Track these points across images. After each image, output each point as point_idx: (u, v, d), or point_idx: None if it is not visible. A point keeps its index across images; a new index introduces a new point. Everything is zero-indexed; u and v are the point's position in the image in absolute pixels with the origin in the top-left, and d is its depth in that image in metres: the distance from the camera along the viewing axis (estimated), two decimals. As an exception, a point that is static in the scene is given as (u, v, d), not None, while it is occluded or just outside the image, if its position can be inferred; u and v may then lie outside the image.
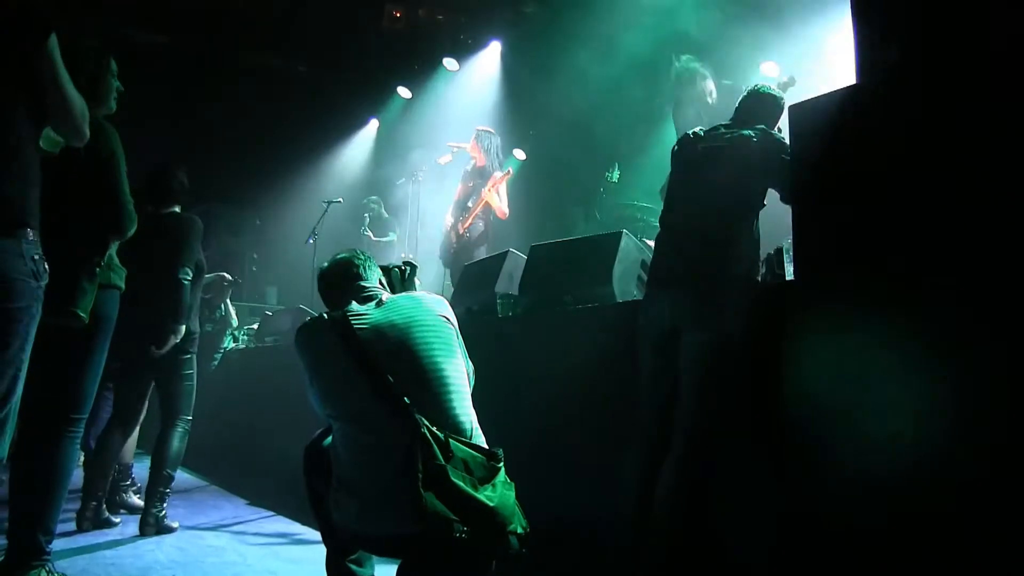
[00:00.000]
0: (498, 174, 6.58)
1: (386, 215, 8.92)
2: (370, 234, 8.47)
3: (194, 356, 4.47)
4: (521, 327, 4.13)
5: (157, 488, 4.22)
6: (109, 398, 4.59)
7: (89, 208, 2.99)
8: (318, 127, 10.53)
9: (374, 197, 9.02)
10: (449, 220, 6.80)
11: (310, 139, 10.58)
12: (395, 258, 7.97)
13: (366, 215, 8.66)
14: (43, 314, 2.48)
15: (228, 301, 7.44)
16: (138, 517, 4.23)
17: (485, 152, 6.69)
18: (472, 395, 2.57)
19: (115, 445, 4.31)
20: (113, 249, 3.20)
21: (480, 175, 6.69)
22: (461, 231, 6.61)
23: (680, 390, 2.83)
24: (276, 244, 10.52)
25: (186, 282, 4.21)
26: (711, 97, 5.22)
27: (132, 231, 3.18)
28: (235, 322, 7.61)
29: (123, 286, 3.26)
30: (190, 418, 4.43)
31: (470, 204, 6.61)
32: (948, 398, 2.26)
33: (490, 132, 6.88)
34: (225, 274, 7.09)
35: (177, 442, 4.34)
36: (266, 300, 9.54)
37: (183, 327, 4.21)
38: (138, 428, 4.51)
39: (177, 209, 4.43)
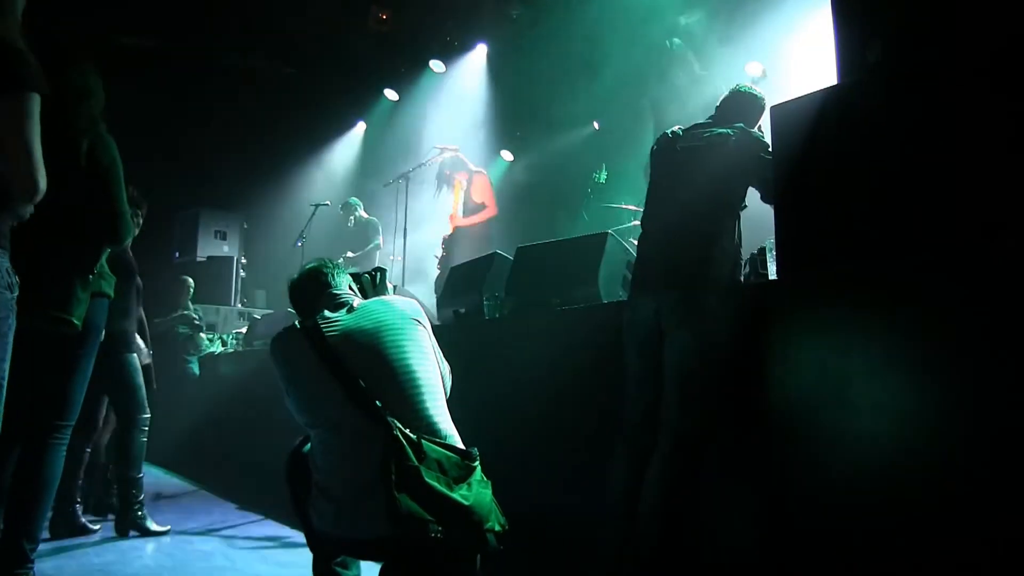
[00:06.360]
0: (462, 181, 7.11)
1: (365, 216, 8.52)
2: (349, 254, 8.07)
3: (128, 355, 4.38)
4: (508, 329, 4.14)
5: (127, 491, 4.27)
6: None
7: (85, 216, 2.98)
8: (305, 130, 10.51)
9: (351, 200, 8.66)
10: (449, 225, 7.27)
11: (297, 142, 10.56)
12: (384, 260, 7.96)
13: (351, 219, 8.47)
14: (38, 322, 2.48)
15: (189, 302, 7.78)
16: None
17: (451, 169, 7.23)
18: (456, 395, 2.57)
19: (77, 452, 4.29)
20: (104, 257, 3.19)
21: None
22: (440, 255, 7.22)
23: (665, 390, 2.84)
24: (264, 247, 10.50)
25: None
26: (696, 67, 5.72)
27: (129, 240, 3.19)
28: (198, 316, 7.80)
29: (112, 294, 3.27)
30: (146, 415, 4.40)
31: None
32: (931, 396, 2.27)
33: (446, 150, 7.28)
34: (186, 278, 7.74)
35: (134, 443, 4.34)
36: (255, 304, 9.50)
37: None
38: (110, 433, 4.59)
39: None
